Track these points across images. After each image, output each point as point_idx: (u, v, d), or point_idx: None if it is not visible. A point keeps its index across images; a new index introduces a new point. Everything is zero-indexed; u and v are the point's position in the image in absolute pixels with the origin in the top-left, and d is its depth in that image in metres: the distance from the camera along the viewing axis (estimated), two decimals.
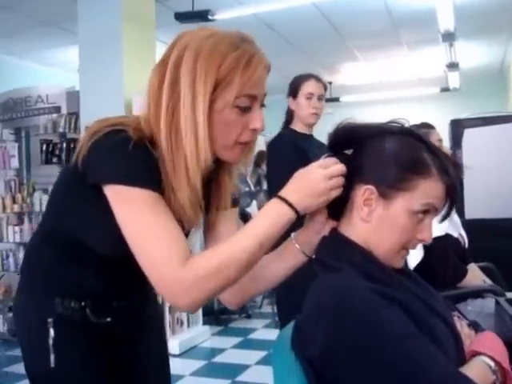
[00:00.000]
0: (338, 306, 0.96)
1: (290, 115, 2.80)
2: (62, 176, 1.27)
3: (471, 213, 3.79)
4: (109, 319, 1.27)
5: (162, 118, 1.09)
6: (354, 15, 5.82)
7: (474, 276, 2.43)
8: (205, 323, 4.83)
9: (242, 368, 3.96)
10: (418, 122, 2.68)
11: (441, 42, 6.09)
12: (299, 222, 1.14)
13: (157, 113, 1.10)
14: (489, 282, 2.47)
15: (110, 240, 1.13)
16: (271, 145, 2.77)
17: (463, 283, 2.36)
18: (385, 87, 9.15)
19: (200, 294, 1.00)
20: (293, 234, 1.21)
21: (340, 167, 1.07)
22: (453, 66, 6.81)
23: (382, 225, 1.06)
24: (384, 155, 1.08)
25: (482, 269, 2.65)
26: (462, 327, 1.22)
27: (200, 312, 4.78)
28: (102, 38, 4.48)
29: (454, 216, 2.53)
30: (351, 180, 1.09)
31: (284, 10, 5.23)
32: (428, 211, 1.06)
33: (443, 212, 1.12)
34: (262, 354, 4.23)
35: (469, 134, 3.90)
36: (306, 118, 2.74)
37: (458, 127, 4.21)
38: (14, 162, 4.92)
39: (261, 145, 7.94)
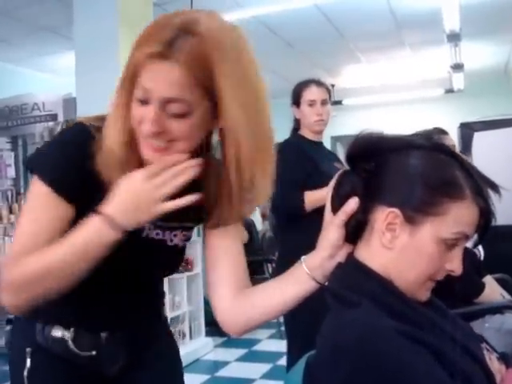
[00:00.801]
0: (360, 350, 0.83)
1: (297, 123, 2.73)
2: None
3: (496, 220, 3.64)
4: (94, 352, 1.11)
5: None
6: (356, 17, 5.69)
7: (492, 290, 2.30)
8: (207, 334, 4.71)
9: (247, 382, 3.83)
10: (428, 126, 2.55)
11: (445, 43, 5.96)
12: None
13: None
14: (507, 296, 2.35)
15: None
16: (278, 151, 2.64)
17: (480, 298, 2.24)
18: (388, 89, 9.02)
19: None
20: (303, 258, 1.08)
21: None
22: (457, 67, 6.68)
23: (407, 253, 0.94)
24: (410, 173, 0.95)
25: (498, 281, 2.53)
26: (492, 362, 1.09)
27: (202, 322, 4.67)
28: (98, 43, 4.36)
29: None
30: (372, 200, 0.96)
31: (285, 12, 5.11)
32: (459, 239, 0.93)
33: (475, 237, 0.99)
34: (267, 367, 4.11)
35: (479, 138, 3.77)
36: (311, 125, 2.66)
37: (467, 130, 4.08)
38: (11, 172, 4.82)
39: None
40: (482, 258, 2.47)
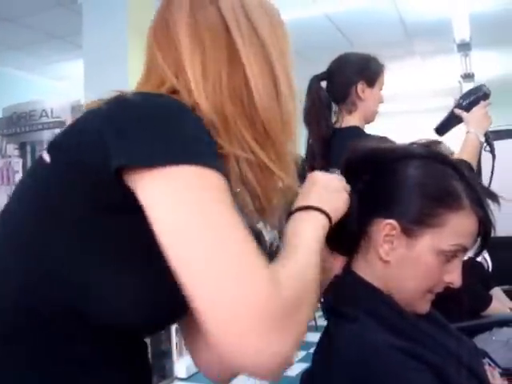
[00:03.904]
0: (358, 366, 0.80)
1: (353, 105, 2.04)
2: (33, 191, 0.73)
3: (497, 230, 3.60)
4: None
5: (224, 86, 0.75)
6: (366, 26, 5.67)
7: (500, 303, 2.26)
8: None
9: None
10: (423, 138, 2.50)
11: (456, 52, 5.93)
12: None
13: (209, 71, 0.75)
14: None
15: (145, 293, 0.69)
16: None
17: (488, 311, 2.19)
18: (398, 99, 8.98)
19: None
20: None
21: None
22: (468, 76, 6.62)
23: (405, 266, 0.91)
24: (407, 184, 0.92)
25: (507, 293, 2.48)
26: (494, 378, 1.06)
27: None
28: (107, 51, 4.38)
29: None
30: (368, 212, 0.94)
31: (295, 21, 5.10)
32: (458, 251, 0.90)
33: (475, 248, 0.96)
34: None
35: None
36: (373, 113, 2.10)
37: None
38: (19, 178, 4.82)
39: None
40: (490, 269, 2.43)
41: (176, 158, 0.62)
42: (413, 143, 1.02)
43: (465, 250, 0.91)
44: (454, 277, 0.92)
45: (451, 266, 0.91)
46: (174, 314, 0.78)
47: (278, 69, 0.79)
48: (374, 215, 0.93)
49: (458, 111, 1.93)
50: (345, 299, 0.93)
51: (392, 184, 0.93)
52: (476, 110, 1.89)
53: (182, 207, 0.61)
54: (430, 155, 0.95)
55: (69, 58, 6.52)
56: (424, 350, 0.84)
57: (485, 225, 0.93)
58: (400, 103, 9.05)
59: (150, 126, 0.63)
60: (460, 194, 0.90)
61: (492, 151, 1.99)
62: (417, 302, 0.92)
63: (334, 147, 1.91)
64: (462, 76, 6.73)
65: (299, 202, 0.85)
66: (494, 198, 0.96)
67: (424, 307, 0.94)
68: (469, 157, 1.79)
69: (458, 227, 0.89)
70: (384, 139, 1.60)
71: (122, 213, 0.66)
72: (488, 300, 2.20)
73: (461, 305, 2.14)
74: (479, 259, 2.32)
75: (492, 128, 4.24)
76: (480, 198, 0.92)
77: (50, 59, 6.70)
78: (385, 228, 0.91)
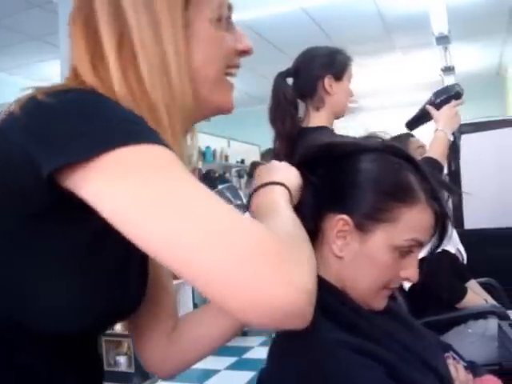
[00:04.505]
0: (303, 369, 0.79)
1: (320, 101, 1.97)
2: None
3: (471, 223, 3.62)
4: None
5: (112, 64, 0.70)
6: (345, 21, 5.67)
7: (475, 295, 2.26)
8: None
9: None
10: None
11: (435, 46, 5.94)
12: None
13: (98, 61, 0.71)
14: (491, 300, 2.31)
15: (83, 301, 0.67)
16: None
17: (463, 303, 2.19)
18: (380, 93, 9.00)
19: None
20: None
21: None
22: (448, 69, 6.65)
23: (358, 261, 0.90)
24: (360, 178, 0.91)
25: (483, 285, 2.49)
26: (458, 372, 1.05)
27: None
28: None
29: (456, 240, 2.37)
30: (321, 208, 0.93)
31: (272, 16, 5.09)
32: (413, 246, 0.89)
33: (432, 243, 0.95)
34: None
35: (466, 140, 3.74)
36: (344, 107, 2.03)
37: (455, 133, 4.03)
38: None
39: (255, 155, 7.82)
40: (464, 261, 2.43)
41: (106, 144, 0.58)
42: (369, 136, 1.01)
43: (420, 244, 0.90)
44: (410, 272, 0.91)
45: (407, 261, 0.90)
46: (117, 317, 0.76)
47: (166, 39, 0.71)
48: (327, 210, 0.92)
49: (429, 108, 1.94)
50: None
51: (345, 178, 0.92)
52: (446, 108, 1.90)
53: (134, 188, 0.58)
54: (383, 148, 0.94)
55: (48, 59, 6.46)
56: (377, 347, 0.83)
57: (441, 219, 0.92)
58: (382, 98, 9.08)
59: (70, 123, 0.60)
60: (414, 188, 0.89)
61: (454, 149, 2.03)
62: (372, 299, 0.91)
63: (299, 147, 1.88)
64: (442, 69, 6.77)
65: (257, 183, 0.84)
66: (451, 190, 0.95)
67: (380, 303, 0.93)
68: (437, 155, 1.80)
69: (412, 222, 0.88)
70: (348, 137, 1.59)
71: (56, 220, 0.64)
72: (463, 292, 2.20)
73: (436, 298, 2.14)
74: (453, 251, 2.32)
75: (471, 120, 4.29)
76: (435, 190, 0.91)
77: (29, 60, 6.63)
78: (337, 223, 0.89)
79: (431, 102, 1.96)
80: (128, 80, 0.69)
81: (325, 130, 1.92)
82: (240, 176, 7.46)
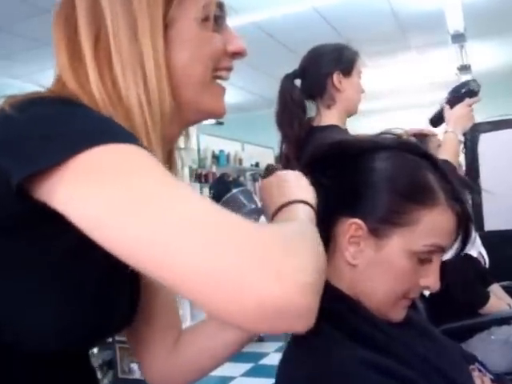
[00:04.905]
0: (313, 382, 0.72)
1: (331, 98, 1.90)
2: None
3: (491, 224, 3.51)
4: None
5: (89, 64, 0.66)
6: (358, 20, 5.58)
7: (498, 300, 2.16)
8: None
9: None
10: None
11: (450, 44, 5.83)
12: None
13: (76, 62, 0.67)
14: None
15: (68, 312, 0.62)
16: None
17: (486, 309, 2.10)
18: (395, 93, 8.90)
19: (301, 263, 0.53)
20: None
21: None
22: (464, 68, 6.52)
23: (373, 269, 0.82)
24: (374, 178, 0.83)
25: (506, 289, 2.40)
26: None
27: None
28: None
29: (477, 241, 2.28)
30: (332, 212, 0.85)
31: (284, 16, 5.02)
32: (433, 252, 0.82)
33: (455, 248, 0.88)
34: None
35: (485, 139, 3.63)
36: (356, 102, 1.95)
37: (472, 132, 3.94)
38: None
39: (269, 158, 7.76)
40: (487, 265, 2.34)
41: (72, 148, 0.54)
42: (384, 133, 0.93)
43: (441, 250, 0.83)
44: (430, 281, 0.83)
45: (427, 268, 0.83)
46: (105, 334, 0.71)
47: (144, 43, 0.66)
48: (338, 214, 0.85)
49: (443, 106, 1.87)
50: None
51: (357, 179, 0.85)
52: (458, 108, 1.83)
53: (105, 190, 0.53)
54: (399, 145, 0.87)
55: None
56: (394, 363, 0.75)
57: (463, 221, 0.84)
58: (397, 98, 8.96)
59: (37, 132, 0.56)
60: (433, 188, 0.82)
61: (472, 149, 1.96)
62: (390, 309, 0.84)
63: (309, 146, 1.81)
64: (458, 68, 6.65)
65: (271, 208, 0.76)
66: (473, 189, 0.88)
67: (399, 315, 0.85)
68: (450, 156, 1.73)
69: (431, 225, 0.80)
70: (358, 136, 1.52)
71: (30, 235, 0.59)
72: (485, 297, 2.11)
73: (458, 303, 2.05)
74: (475, 255, 2.23)
75: (491, 118, 4.19)
76: (456, 190, 0.83)
77: (44, 66, 6.64)
78: (350, 228, 0.82)
79: (447, 100, 1.89)
80: (105, 83, 0.65)
81: (336, 128, 1.85)
82: (255, 179, 7.40)
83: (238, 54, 0.76)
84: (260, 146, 7.83)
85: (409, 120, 8.69)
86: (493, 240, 2.99)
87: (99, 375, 3.44)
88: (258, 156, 7.75)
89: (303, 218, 0.69)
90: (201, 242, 0.50)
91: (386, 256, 0.81)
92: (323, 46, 1.97)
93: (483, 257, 2.33)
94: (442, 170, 0.84)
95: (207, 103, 0.74)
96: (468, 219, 0.84)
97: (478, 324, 2.05)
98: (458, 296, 2.05)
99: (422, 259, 0.81)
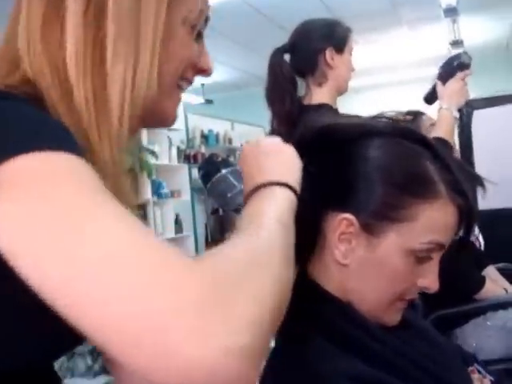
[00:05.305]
0: None
1: (323, 75, 1.81)
2: None
3: (485, 203, 3.44)
4: None
5: (73, 25, 0.57)
6: None
7: (494, 284, 2.09)
8: None
9: None
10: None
11: (443, 18, 5.72)
12: None
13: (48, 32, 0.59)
14: (511, 289, 2.14)
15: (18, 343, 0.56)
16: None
17: (481, 294, 2.03)
18: (387, 70, 8.79)
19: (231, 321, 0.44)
20: None
21: None
22: (456, 43, 6.42)
23: (366, 270, 0.74)
24: (367, 168, 0.75)
25: (501, 271, 2.33)
26: None
27: None
28: None
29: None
30: (322, 203, 0.77)
31: None
32: (432, 249, 0.74)
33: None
34: None
35: (478, 116, 3.55)
36: (346, 80, 1.87)
37: (466, 108, 3.85)
38: None
39: (260, 137, 7.63)
40: (482, 247, 2.27)
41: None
42: (378, 116, 0.84)
43: (441, 247, 0.75)
44: (429, 281, 0.75)
45: (425, 267, 0.75)
46: (65, 349, 0.64)
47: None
48: (328, 208, 0.76)
49: (436, 83, 1.78)
50: (296, 312, 0.76)
51: (348, 169, 0.76)
52: (451, 83, 1.74)
53: (20, 214, 0.44)
54: (395, 131, 0.78)
55: None
56: (390, 377, 0.68)
57: (466, 215, 0.76)
58: (389, 74, 8.86)
59: None
60: (433, 179, 0.73)
61: (466, 126, 1.86)
62: (384, 313, 0.76)
63: (302, 126, 1.73)
64: (450, 43, 6.54)
65: (247, 186, 0.69)
66: (478, 180, 0.79)
67: (393, 318, 0.77)
68: (445, 134, 1.65)
69: (431, 221, 0.72)
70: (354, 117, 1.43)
71: None
72: (481, 282, 2.04)
73: (453, 289, 1.99)
74: (472, 239, 2.16)
75: (484, 95, 4.09)
76: (460, 182, 0.75)
77: None
78: (340, 224, 0.74)
79: (439, 76, 1.81)
80: (86, 56, 0.57)
81: (327, 107, 1.76)
82: None
83: (203, 72, 0.72)
84: (250, 125, 7.70)
85: (401, 96, 8.63)
86: (486, 219, 2.93)
87: (89, 361, 3.38)
88: (248, 135, 7.63)
89: (275, 217, 0.60)
90: (117, 288, 0.42)
91: (380, 255, 0.73)
92: (314, 20, 1.88)
93: (478, 240, 2.26)
94: (443, 158, 0.76)
95: (165, 107, 0.67)
96: (471, 213, 0.76)
97: (474, 310, 1.99)
98: (453, 281, 1.98)
99: (420, 258, 0.73)
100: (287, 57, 1.84)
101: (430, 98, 1.91)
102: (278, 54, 1.80)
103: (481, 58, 8.03)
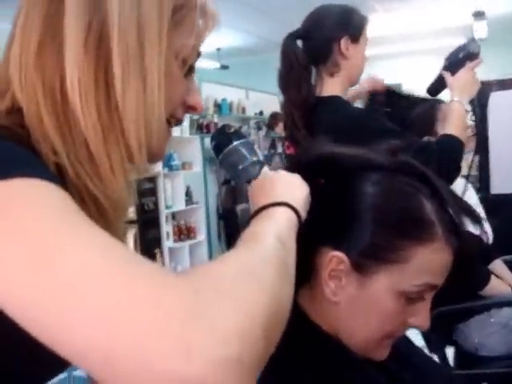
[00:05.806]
0: None
1: (336, 66, 1.73)
2: None
3: (499, 187, 3.38)
4: None
5: (73, 53, 0.55)
6: None
7: (499, 280, 2.06)
8: None
9: None
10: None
11: None
12: None
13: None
14: None
15: None
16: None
17: (486, 290, 2.01)
18: (406, 39, 8.60)
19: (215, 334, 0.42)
20: None
21: None
22: (479, 14, 6.24)
23: (356, 308, 0.73)
24: (361, 206, 0.73)
25: (509, 264, 2.29)
26: None
27: None
28: None
29: (477, 208, 2.16)
30: (315, 238, 0.75)
31: None
32: (424, 291, 0.72)
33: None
34: None
35: (496, 98, 3.46)
36: (360, 71, 1.80)
37: (484, 89, 3.76)
38: None
39: (274, 106, 7.54)
40: (490, 241, 2.22)
41: None
42: (381, 146, 0.80)
43: (434, 288, 0.73)
44: (420, 320, 0.74)
45: (417, 307, 0.73)
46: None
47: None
48: (320, 243, 0.74)
49: (444, 74, 1.71)
50: (285, 346, 0.75)
51: (343, 204, 0.74)
52: (461, 74, 1.67)
53: None
54: (393, 165, 0.75)
55: None
56: None
57: (462, 259, 0.74)
58: (410, 43, 8.68)
59: None
60: (430, 220, 0.71)
61: (482, 109, 1.80)
62: (373, 350, 0.75)
63: (315, 118, 1.69)
64: (473, 14, 6.36)
65: (254, 208, 0.68)
66: (477, 219, 0.76)
67: (381, 354, 0.76)
68: (457, 130, 1.58)
69: (425, 264, 0.70)
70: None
71: None
72: (486, 277, 2.01)
73: (457, 284, 1.97)
74: (478, 232, 2.12)
75: (504, 76, 3.96)
76: (457, 224, 0.72)
77: None
78: (331, 261, 0.72)
79: (446, 67, 1.74)
80: (89, 84, 0.56)
81: (340, 100, 1.72)
82: (259, 128, 7.24)
83: (192, 110, 0.70)
84: (264, 93, 7.59)
85: (421, 66, 8.45)
86: (499, 204, 2.88)
87: None
88: (262, 104, 7.54)
89: (273, 232, 0.60)
90: (90, 312, 0.41)
91: (370, 295, 0.71)
92: (329, 6, 1.79)
93: (486, 234, 2.21)
94: (442, 195, 0.73)
95: (154, 144, 0.63)
96: (468, 256, 0.73)
97: (478, 307, 1.97)
98: (457, 277, 1.96)
99: (412, 299, 0.72)
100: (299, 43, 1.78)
101: (435, 90, 1.85)
102: (290, 39, 1.74)
103: (503, 31, 7.84)
